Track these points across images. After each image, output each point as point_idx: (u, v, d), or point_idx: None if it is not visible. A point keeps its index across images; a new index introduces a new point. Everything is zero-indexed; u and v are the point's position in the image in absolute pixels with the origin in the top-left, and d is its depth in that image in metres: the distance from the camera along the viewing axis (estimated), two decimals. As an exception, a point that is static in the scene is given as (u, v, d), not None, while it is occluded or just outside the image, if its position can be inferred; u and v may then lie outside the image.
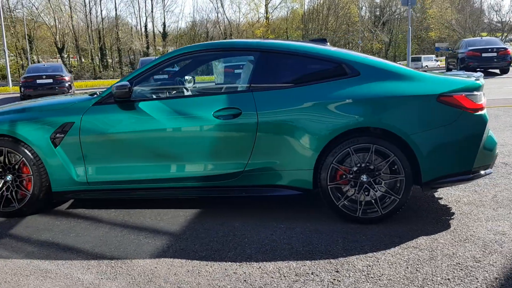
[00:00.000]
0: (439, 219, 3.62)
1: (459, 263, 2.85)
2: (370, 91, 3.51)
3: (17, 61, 48.75)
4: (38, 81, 17.22)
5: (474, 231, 3.33)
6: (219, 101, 3.67)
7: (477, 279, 2.66)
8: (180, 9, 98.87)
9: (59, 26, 52.99)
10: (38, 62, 46.27)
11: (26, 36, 47.00)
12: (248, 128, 3.59)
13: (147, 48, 55.27)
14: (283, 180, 3.65)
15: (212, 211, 3.95)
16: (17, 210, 3.94)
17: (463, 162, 3.50)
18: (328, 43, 4.43)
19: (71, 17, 52.46)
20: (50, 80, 17.36)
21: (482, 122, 3.48)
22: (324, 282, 2.69)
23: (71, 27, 52.33)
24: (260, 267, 2.91)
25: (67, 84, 17.56)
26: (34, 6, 52.34)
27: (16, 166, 3.90)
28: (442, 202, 4.01)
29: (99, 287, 2.73)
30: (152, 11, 57.18)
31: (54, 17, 52.21)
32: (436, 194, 4.21)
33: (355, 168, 3.50)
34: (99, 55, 54.74)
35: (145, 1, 57.10)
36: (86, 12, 55.26)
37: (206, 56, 4.19)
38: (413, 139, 3.41)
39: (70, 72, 26.83)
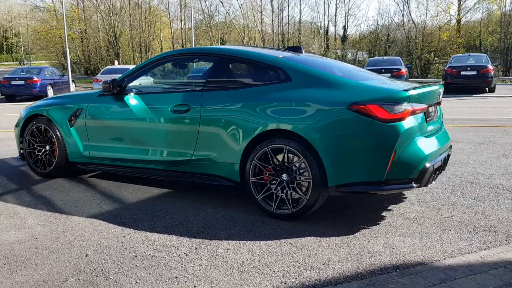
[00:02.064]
0: (344, 226, 3.63)
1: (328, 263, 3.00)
2: (290, 97, 3.73)
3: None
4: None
5: (367, 244, 3.33)
6: (178, 98, 4.28)
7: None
8: (363, 13, 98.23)
9: (247, 31, 57.68)
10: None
11: (219, 40, 52.71)
12: (194, 122, 4.13)
13: (327, 50, 56.47)
14: (220, 171, 4.09)
15: (172, 192, 4.60)
16: (48, 172, 5.18)
17: (373, 171, 3.47)
18: (303, 51, 4.64)
19: (261, 21, 56.55)
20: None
21: (394, 132, 3.40)
22: (181, 255, 3.14)
23: (261, 31, 56.33)
24: (146, 237, 3.48)
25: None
26: (228, 12, 58.02)
27: (50, 140, 5.13)
28: (376, 210, 3.95)
29: (35, 228, 3.65)
30: (335, 15, 58.13)
31: (244, 23, 57.19)
32: (386, 203, 4.14)
33: (272, 166, 3.77)
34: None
35: (329, 6, 58.14)
36: (272, 18, 59.00)
37: (180, 59, 4.81)
38: (320, 143, 3.53)
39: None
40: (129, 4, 52.08)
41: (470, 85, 17.42)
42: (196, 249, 3.23)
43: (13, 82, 19.28)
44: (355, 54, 56.05)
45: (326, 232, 3.51)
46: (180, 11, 56.29)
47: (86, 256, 3.13)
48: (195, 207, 4.13)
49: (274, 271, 2.87)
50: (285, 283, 2.72)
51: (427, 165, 3.52)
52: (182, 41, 56.59)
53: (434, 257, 3.04)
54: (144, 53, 52.81)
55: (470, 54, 21.60)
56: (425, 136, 3.67)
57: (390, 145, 3.40)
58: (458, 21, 55.31)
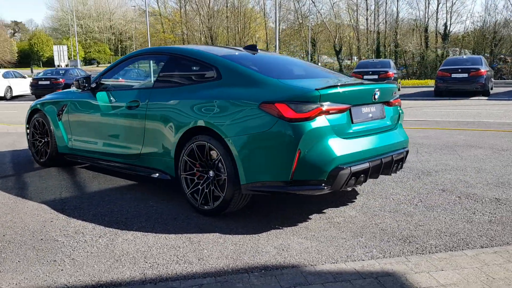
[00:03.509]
0: (258, 225, 3.58)
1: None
2: (216, 95, 3.75)
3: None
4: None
5: (261, 244, 3.29)
6: (133, 95, 4.49)
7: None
8: (468, 9, 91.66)
9: (339, 30, 56.74)
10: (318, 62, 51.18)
11: (310, 40, 52.67)
12: (141, 117, 4.31)
13: (426, 48, 53.73)
14: (161, 165, 4.23)
15: (133, 185, 4.83)
16: (44, 161, 5.69)
17: (280, 171, 3.39)
18: (259, 50, 4.60)
19: (356, 20, 55.33)
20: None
21: (298, 132, 3.29)
22: (81, 241, 3.34)
23: (355, 30, 55.10)
24: (68, 223, 3.74)
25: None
26: (319, 12, 57.57)
27: (46, 132, 5.64)
28: (306, 212, 3.82)
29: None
30: (436, 12, 55.08)
31: (336, 22, 56.40)
32: (325, 205, 4.00)
33: (199, 163, 3.84)
34: (374, 56, 56.39)
35: (429, 2, 55.19)
36: (367, 16, 57.42)
37: (140, 58, 4.96)
38: (233, 141, 3.52)
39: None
40: (226, 7, 53.94)
41: (462, 89, 16.64)
42: (99, 237, 3.41)
43: (40, 82, 21.38)
44: (457, 52, 52.56)
45: (235, 230, 3.50)
46: (275, 12, 56.94)
47: (4, 236, 3.46)
48: (140, 199, 4.32)
49: (146, 262, 2.96)
50: (144, 274, 2.80)
51: (341, 167, 3.37)
52: (276, 41, 57.18)
53: (314, 262, 2.92)
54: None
55: (464, 56, 21.05)
56: (346, 137, 3.50)
57: (293, 145, 3.31)
58: None
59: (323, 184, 3.38)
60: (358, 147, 3.56)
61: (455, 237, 3.30)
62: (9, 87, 22.16)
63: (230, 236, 3.39)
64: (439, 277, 2.66)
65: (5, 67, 55.31)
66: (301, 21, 56.51)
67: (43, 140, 5.70)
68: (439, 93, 17.28)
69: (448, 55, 51.14)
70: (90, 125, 4.97)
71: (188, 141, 3.88)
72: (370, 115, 3.79)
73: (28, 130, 5.93)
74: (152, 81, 4.50)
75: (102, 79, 4.97)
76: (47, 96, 5.80)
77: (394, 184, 4.72)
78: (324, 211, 3.93)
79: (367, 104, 3.75)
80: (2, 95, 21.56)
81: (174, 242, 3.29)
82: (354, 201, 4.18)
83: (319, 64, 48.18)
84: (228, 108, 3.62)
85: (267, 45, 54.15)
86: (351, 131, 3.56)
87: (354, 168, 3.45)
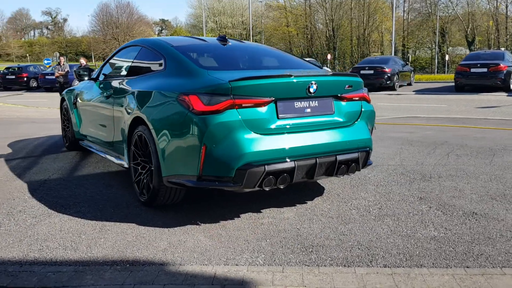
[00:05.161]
0: (181, 219, 3.51)
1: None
2: (155, 85, 3.71)
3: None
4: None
5: (155, 239, 3.23)
6: (111, 84, 4.64)
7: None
8: None
9: (472, 19, 51.96)
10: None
11: (439, 29, 49.21)
12: (112, 106, 4.45)
13: None
14: (124, 154, 4.35)
15: (117, 171, 5.01)
16: (68, 145, 6.21)
17: (190, 165, 3.27)
18: (229, 41, 4.42)
19: (496, 7, 50.25)
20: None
21: (204, 126, 3.14)
22: (20, 221, 3.61)
23: (494, 17, 50.18)
24: (27, 202, 4.04)
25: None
26: (450, 1, 53.23)
27: (69, 119, 6.13)
28: (243, 211, 3.63)
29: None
30: None
31: (468, 11, 51.77)
32: (267, 205, 3.77)
33: (142, 153, 3.87)
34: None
35: None
36: (507, 3, 51.75)
37: (125, 51, 4.98)
38: (156, 133, 3.48)
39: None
40: (351, -1, 52.55)
41: (481, 84, 16.32)
42: (32, 218, 3.62)
43: (47, 77, 23.95)
44: None
45: (153, 222, 3.48)
46: (404, 2, 53.83)
47: (-39, 208, 3.88)
48: (107, 185, 4.50)
49: (39, 245, 3.07)
50: (24, 255, 2.93)
51: (252, 165, 3.15)
52: (403, 32, 54.34)
53: (189, 261, 2.80)
54: (361, 46, 52.71)
55: (487, 51, 20.75)
56: (266, 133, 3.25)
57: (199, 139, 3.17)
58: None
59: (232, 182, 3.19)
60: (283, 144, 3.28)
61: (368, 252, 2.90)
62: None
63: (142, 228, 3.38)
64: (286, 293, 2.38)
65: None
66: (430, 10, 52.75)
67: (68, 126, 6.21)
68: (460, 88, 17.14)
69: None
70: (88, 114, 5.29)
71: (134, 132, 3.93)
72: (308, 110, 3.47)
73: (61, 117, 6.50)
74: (125, 72, 4.63)
75: (102, 71, 5.24)
76: (72, 87, 6.31)
77: (373, 188, 4.27)
78: (262, 210, 3.71)
79: (302, 98, 3.43)
80: None
81: (86, 228, 3.39)
82: (306, 203, 3.88)
83: (409, 56, 43.77)
84: (156, 99, 3.59)
85: (393, 37, 51.57)
86: (273, 126, 3.29)
87: (271, 167, 3.19)
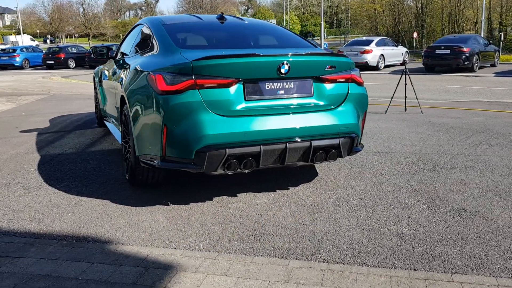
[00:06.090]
0: (144, 199, 3.53)
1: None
2: (137, 63, 3.74)
3: None
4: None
5: (120, 217, 3.26)
6: (120, 62, 4.75)
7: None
8: None
9: None
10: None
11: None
12: (117, 82, 4.54)
13: None
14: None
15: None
16: (98, 122, 6.49)
17: (154, 146, 3.25)
18: (227, 18, 4.28)
19: None
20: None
21: (164, 106, 3.08)
22: (9, 191, 3.85)
23: None
24: (17, 174, 4.28)
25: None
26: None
27: (96, 97, 6.39)
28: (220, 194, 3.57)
29: None
30: None
31: None
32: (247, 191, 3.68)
33: (127, 131, 3.91)
34: None
35: None
36: None
37: (136, 30, 4.99)
38: (130, 111, 3.51)
39: None
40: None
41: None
42: (24, 189, 3.83)
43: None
44: None
45: (127, 201, 3.53)
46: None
47: (-28, 178, 4.20)
48: (109, 162, 4.64)
49: (6, 215, 3.25)
50: (-7, 224, 3.13)
51: (213, 147, 3.06)
52: (501, 8, 50.04)
53: (134, 241, 2.82)
54: (453, 23, 49.45)
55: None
56: (230, 115, 3.13)
57: (161, 119, 3.13)
58: None
59: (192, 164, 3.14)
60: (248, 127, 3.15)
61: (317, 244, 2.73)
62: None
63: (113, 205, 3.44)
64: (200, 280, 2.30)
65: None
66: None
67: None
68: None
69: None
70: (105, 92, 5.47)
71: (122, 110, 3.99)
72: (281, 91, 3.29)
73: (94, 95, 6.79)
74: (128, 51, 4.69)
75: (120, 49, 5.36)
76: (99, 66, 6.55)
77: (370, 176, 4.01)
78: (238, 194, 3.62)
79: (274, 79, 3.25)
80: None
81: (62, 202, 3.52)
82: (288, 189, 3.73)
83: (501, 35, 39.86)
84: (135, 78, 3.60)
85: (489, 14, 47.27)
86: (239, 108, 3.17)
87: (233, 151, 3.09)
